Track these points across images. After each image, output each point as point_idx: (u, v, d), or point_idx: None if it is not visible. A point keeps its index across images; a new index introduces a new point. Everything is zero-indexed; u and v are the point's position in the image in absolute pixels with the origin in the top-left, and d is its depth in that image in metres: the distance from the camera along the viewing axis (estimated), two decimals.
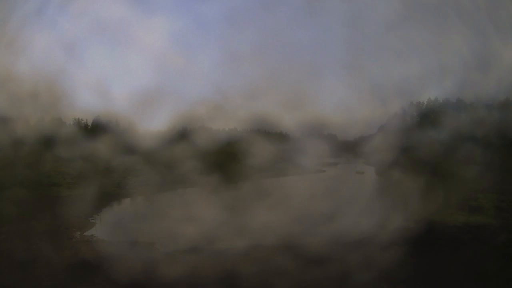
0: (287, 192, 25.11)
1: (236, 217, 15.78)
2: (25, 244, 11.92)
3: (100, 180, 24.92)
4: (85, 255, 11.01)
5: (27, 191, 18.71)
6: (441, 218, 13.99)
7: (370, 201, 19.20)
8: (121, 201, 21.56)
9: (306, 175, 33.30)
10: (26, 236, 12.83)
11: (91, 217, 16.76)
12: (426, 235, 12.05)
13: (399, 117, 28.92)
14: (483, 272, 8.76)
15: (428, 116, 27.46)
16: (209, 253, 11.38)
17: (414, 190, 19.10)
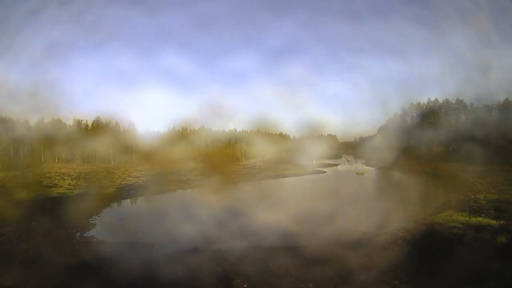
0: (287, 192, 25.12)
1: (236, 218, 15.81)
2: (25, 245, 11.95)
3: (100, 180, 24.97)
4: (85, 256, 11.03)
5: (27, 191, 18.74)
6: (441, 218, 14.03)
7: (370, 202, 19.23)
8: (121, 201, 21.54)
9: (306, 175, 33.26)
10: (26, 237, 12.85)
11: (91, 218, 16.76)
12: (425, 236, 12.08)
13: (399, 117, 28.97)
14: (483, 272, 8.77)
15: (428, 116, 27.49)
16: (209, 253, 11.40)
17: (414, 190, 19.13)
